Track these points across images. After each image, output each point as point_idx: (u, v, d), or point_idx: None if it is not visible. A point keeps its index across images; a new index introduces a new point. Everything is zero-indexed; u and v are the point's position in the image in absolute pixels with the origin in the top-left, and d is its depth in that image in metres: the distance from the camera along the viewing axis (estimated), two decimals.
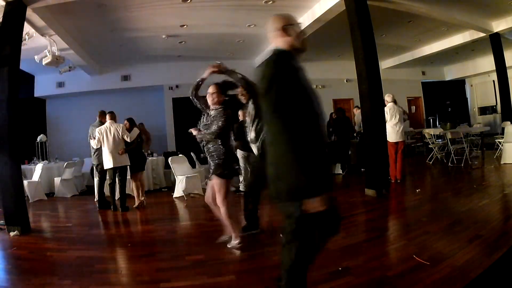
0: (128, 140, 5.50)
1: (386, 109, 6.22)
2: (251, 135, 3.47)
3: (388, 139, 5.96)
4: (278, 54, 1.73)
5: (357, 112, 9.45)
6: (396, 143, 6.15)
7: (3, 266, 3.27)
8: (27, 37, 5.95)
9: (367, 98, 5.29)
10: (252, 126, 3.45)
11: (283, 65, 1.67)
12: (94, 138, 5.56)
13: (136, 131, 5.71)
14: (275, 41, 1.81)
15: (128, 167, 5.64)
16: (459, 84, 14.91)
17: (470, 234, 3.03)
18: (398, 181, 6.10)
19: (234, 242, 3.25)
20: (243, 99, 3.55)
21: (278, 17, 1.84)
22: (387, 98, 6.36)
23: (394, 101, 6.40)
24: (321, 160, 1.65)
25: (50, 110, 10.75)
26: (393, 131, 6.12)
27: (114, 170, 5.45)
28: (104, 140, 5.42)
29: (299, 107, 1.61)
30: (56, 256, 3.48)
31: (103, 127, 5.52)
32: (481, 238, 2.91)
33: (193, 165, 7.14)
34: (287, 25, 1.78)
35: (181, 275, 2.72)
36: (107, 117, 5.63)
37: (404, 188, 5.86)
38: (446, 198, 4.81)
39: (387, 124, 6.05)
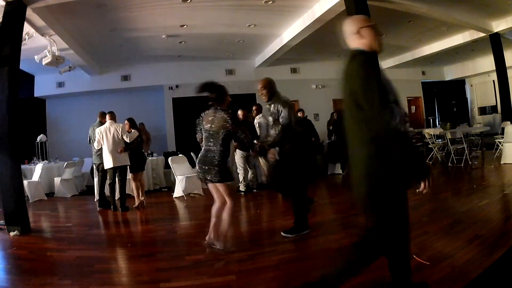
0: (128, 140, 5.51)
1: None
2: (271, 132, 3.60)
3: None
4: (361, 54, 1.80)
5: None
6: None
7: (3, 266, 3.27)
8: (27, 37, 5.94)
9: None
10: (274, 125, 3.56)
11: (370, 64, 1.76)
12: (95, 140, 5.58)
13: (135, 132, 5.70)
14: (353, 43, 1.87)
15: (128, 167, 5.64)
16: (459, 84, 14.92)
17: (470, 234, 3.03)
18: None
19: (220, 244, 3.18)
20: (263, 99, 3.60)
21: (352, 20, 1.91)
22: None
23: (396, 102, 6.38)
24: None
25: (50, 110, 10.74)
26: None
27: (114, 170, 5.45)
28: (104, 140, 5.42)
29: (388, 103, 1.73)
30: (56, 256, 3.48)
31: (102, 127, 5.53)
32: (481, 238, 2.91)
33: (193, 165, 7.13)
34: (362, 27, 1.85)
35: (181, 275, 2.72)
36: (107, 117, 5.64)
37: None
38: (446, 198, 4.81)
39: None
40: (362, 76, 1.73)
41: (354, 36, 1.86)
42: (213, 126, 3.11)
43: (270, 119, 3.65)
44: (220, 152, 3.06)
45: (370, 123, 1.74)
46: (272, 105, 3.53)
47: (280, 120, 3.45)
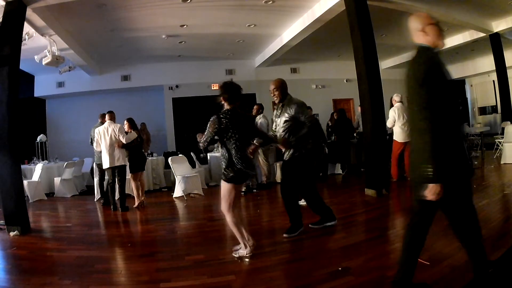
0: (124, 141, 5.48)
1: (394, 108, 6.19)
2: (279, 132, 3.55)
3: (396, 138, 6.03)
4: (426, 51, 1.93)
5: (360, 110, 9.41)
6: (405, 143, 6.04)
7: (3, 266, 3.27)
8: (27, 37, 5.95)
9: (367, 98, 5.29)
10: (285, 124, 3.49)
11: (433, 61, 1.88)
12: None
13: (133, 134, 5.69)
14: (418, 39, 1.99)
15: (127, 167, 5.64)
16: (459, 84, 14.90)
17: None
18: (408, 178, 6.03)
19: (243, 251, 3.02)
20: (275, 100, 3.58)
21: (417, 17, 2.01)
22: (396, 97, 6.32)
23: (402, 102, 6.35)
24: (458, 151, 1.94)
25: (50, 110, 10.76)
26: (401, 131, 6.06)
27: (112, 170, 5.46)
28: (101, 140, 5.43)
29: (446, 100, 1.84)
30: (56, 256, 3.48)
31: (101, 127, 5.54)
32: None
33: (193, 165, 7.14)
34: (427, 24, 1.95)
35: (181, 275, 2.72)
36: (107, 117, 5.65)
37: (405, 188, 5.85)
38: None
39: (395, 124, 6.07)
40: (423, 71, 1.84)
41: (419, 33, 1.97)
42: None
43: (278, 120, 3.56)
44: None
45: (426, 113, 1.83)
46: (285, 107, 3.48)
47: (303, 119, 3.40)
